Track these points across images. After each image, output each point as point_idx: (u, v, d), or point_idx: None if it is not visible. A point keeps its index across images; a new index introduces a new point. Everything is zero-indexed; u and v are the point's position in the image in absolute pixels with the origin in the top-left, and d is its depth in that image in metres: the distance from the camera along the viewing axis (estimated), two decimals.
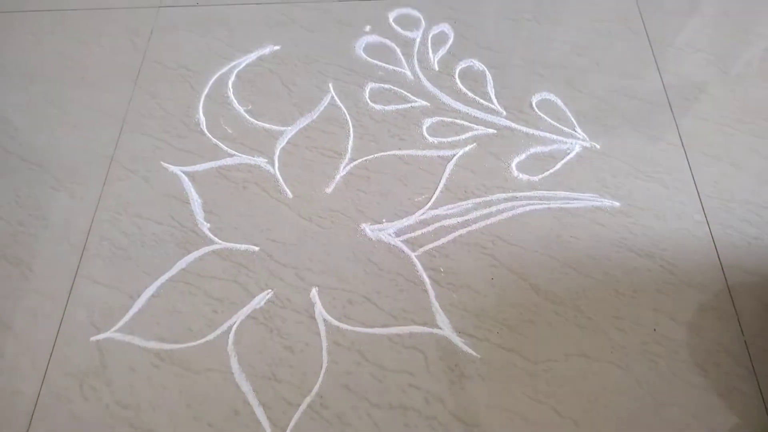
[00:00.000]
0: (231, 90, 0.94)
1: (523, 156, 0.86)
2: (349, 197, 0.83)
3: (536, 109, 0.90)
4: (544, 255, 0.77)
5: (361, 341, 0.71)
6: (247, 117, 0.91)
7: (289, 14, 1.03)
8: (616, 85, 0.93)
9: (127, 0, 1.06)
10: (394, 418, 0.66)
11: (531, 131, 0.88)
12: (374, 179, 0.84)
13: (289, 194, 0.83)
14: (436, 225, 0.80)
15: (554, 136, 0.87)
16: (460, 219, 0.80)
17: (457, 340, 0.71)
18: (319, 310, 0.74)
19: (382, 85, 0.94)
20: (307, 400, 0.68)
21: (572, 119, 0.89)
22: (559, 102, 0.91)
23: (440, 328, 0.72)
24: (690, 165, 0.84)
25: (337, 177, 0.85)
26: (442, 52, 0.98)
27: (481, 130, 0.88)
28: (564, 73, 0.94)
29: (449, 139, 0.87)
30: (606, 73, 0.94)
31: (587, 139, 0.87)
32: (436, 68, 0.96)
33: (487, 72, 0.95)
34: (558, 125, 0.89)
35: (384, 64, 0.96)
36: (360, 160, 0.86)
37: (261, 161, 0.86)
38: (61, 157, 0.87)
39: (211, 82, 0.95)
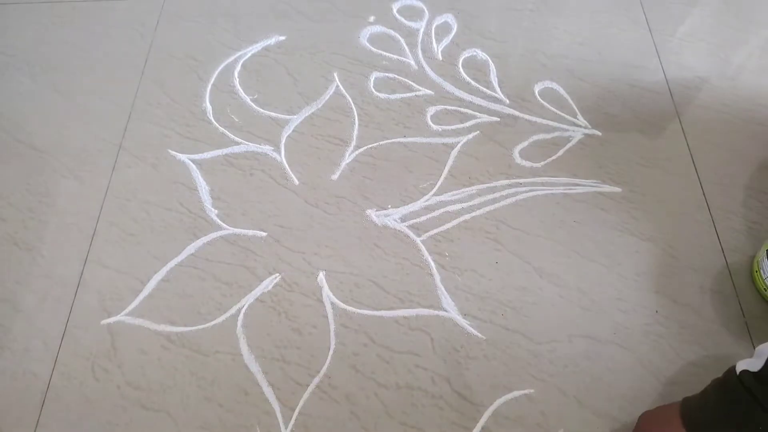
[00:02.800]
0: (237, 79, 0.95)
1: (526, 143, 0.87)
2: (354, 184, 0.84)
3: (539, 98, 0.92)
4: (547, 239, 0.78)
5: (368, 323, 0.72)
6: (254, 106, 0.92)
7: (294, 5, 1.04)
8: (617, 74, 0.94)
9: None
10: (401, 398, 0.67)
11: (533, 119, 0.89)
12: (379, 166, 0.85)
13: (296, 181, 0.84)
14: (441, 211, 0.81)
15: (556, 124, 0.89)
16: (464, 205, 0.81)
17: (463, 322, 0.72)
18: (327, 293, 0.75)
19: (387, 74, 0.95)
20: (316, 380, 0.69)
21: (574, 107, 0.90)
22: (561, 90, 0.92)
23: (446, 311, 0.73)
24: (691, 151, 0.85)
25: (343, 164, 0.86)
26: (445, 42, 0.99)
27: (485, 118, 0.90)
28: (566, 63, 0.95)
29: (453, 127, 0.89)
30: (607, 63, 0.95)
31: (589, 126, 0.88)
32: (440, 58, 0.97)
33: (490, 61, 0.96)
34: (560, 113, 0.90)
35: (388, 54, 0.97)
36: (365, 148, 0.87)
37: (267, 149, 0.87)
38: (70, 145, 0.88)
39: (217, 72, 0.96)
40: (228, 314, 0.74)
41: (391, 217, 0.81)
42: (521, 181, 0.83)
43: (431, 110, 0.90)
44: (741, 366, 0.49)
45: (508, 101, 0.91)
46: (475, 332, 0.71)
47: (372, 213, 0.81)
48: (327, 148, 0.87)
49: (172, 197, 0.83)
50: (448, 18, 1.02)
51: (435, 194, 0.82)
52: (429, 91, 0.93)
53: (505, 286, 0.75)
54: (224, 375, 0.70)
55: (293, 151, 0.87)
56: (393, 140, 0.88)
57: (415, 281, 0.75)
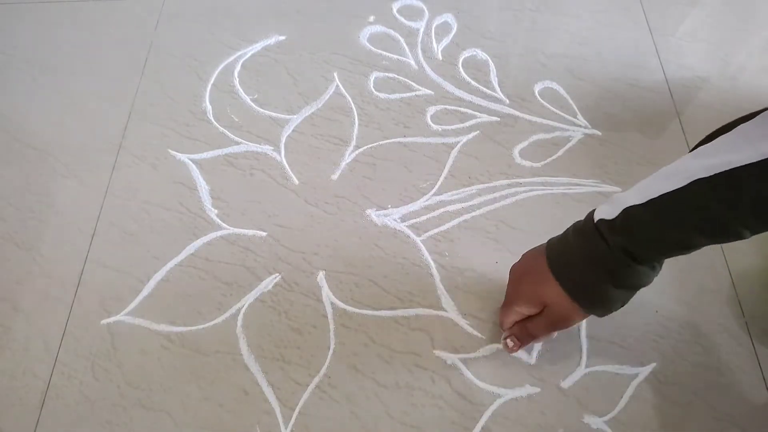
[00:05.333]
0: (237, 79, 0.95)
1: (526, 143, 0.87)
2: (354, 184, 0.84)
3: (539, 98, 0.92)
4: (547, 239, 0.78)
5: (368, 323, 0.72)
6: (253, 106, 0.92)
7: (294, 5, 1.04)
8: (617, 74, 0.94)
9: None
10: (401, 397, 0.67)
11: (533, 119, 0.89)
12: (379, 166, 0.85)
13: (296, 181, 0.84)
14: (441, 210, 0.81)
15: (556, 124, 0.89)
16: (464, 204, 0.81)
17: (463, 322, 0.72)
18: (326, 293, 0.75)
19: (387, 74, 0.95)
20: (315, 380, 0.69)
21: (574, 107, 0.91)
22: (561, 90, 0.92)
23: (446, 311, 0.73)
24: None
25: (343, 164, 0.86)
26: (445, 41, 0.99)
27: (485, 117, 0.90)
28: (566, 62, 0.96)
29: (453, 127, 0.89)
30: (607, 62, 0.95)
31: (589, 126, 0.88)
32: (440, 58, 0.97)
33: (490, 61, 0.96)
34: (560, 113, 0.90)
35: (388, 54, 0.97)
36: (365, 148, 0.87)
37: (267, 149, 0.87)
38: (70, 145, 0.89)
39: (217, 72, 0.96)
40: (228, 314, 0.74)
41: (390, 217, 0.81)
42: (521, 180, 0.83)
43: (431, 110, 0.91)
44: (599, 214, 0.54)
45: (508, 101, 0.91)
46: (475, 332, 0.71)
47: (372, 213, 0.81)
48: (327, 148, 0.87)
49: (172, 197, 0.83)
50: (448, 18, 1.02)
51: (435, 194, 0.82)
52: (429, 91, 0.93)
53: (505, 286, 0.74)
54: (224, 375, 0.70)
55: (293, 151, 0.87)
56: (393, 140, 0.88)
57: (415, 281, 0.75)
